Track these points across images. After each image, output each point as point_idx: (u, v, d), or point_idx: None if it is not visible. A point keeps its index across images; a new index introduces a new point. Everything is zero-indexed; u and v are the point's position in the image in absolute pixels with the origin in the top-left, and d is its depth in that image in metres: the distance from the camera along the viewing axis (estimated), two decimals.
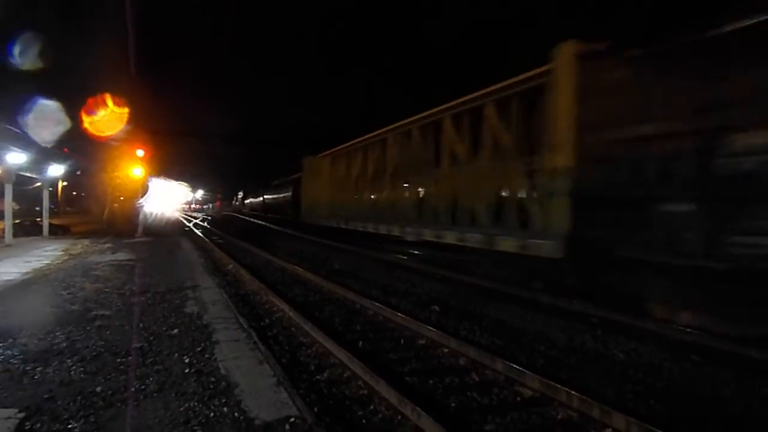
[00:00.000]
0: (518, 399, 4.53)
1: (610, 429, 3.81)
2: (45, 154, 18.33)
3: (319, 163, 20.54)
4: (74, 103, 21.26)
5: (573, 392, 4.19)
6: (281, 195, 31.64)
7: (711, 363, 5.24)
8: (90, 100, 21.65)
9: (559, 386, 4.33)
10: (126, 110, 22.71)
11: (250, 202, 48.12)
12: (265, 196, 39.28)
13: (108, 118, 22.43)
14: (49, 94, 18.20)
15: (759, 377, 4.86)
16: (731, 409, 4.32)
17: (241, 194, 58.46)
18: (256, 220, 40.34)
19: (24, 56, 18.56)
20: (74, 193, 47.74)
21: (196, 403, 3.94)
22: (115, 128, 22.46)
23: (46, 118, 17.29)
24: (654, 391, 4.64)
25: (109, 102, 22.44)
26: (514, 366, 4.84)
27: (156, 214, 40.14)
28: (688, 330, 5.83)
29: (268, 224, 33.33)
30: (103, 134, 22.21)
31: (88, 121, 21.63)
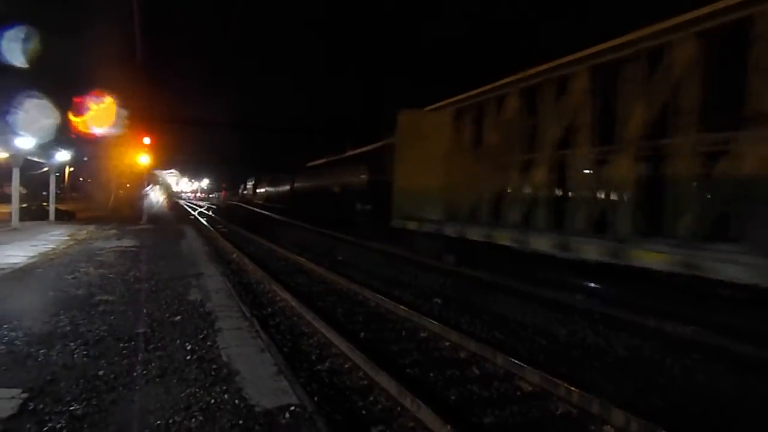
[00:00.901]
0: (518, 393, 4.54)
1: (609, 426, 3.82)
2: (53, 140, 18.42)
3: (432, 122, 11.99)
4: (78, 93, 21.20)
5: (573, 387, 4.19)
6: (341, 181, 19.83)
7: (710, 359, 5.22)
8: (77, 100, 21.23)
9: (558, 381, 4.33)
10: (113, 110, 22.30)
11: (267, 191, 38.57)
12: (297, 184, 28.50)
13: (102, 115, 22.13)
14: (54, 85, 18.16)
15: (756, 374, 4.84)
16: (730, 406, 4.32)
17: (251, 183, 51.01)
18: (268, 212, 33.06)
19: (26, 47, 18.48)
20: (80, 179, 47.90)
21: (197, 390, 3.96)
22: (106, 124, 22.15)
23: (45, 109, 17.15)
24: (655, 387, 4.65)
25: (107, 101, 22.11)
26: (515, 360, 4.85)
27: (161, 202, 40.28)
28: (689, 327, 5.81)
29: (274, 215, 30.49)
30: (98, 127, 21.89)
31: (79, 121, 21.30)
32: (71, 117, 20.52)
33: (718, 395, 4.56)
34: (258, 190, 45.94)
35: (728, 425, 4.06)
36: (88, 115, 21.23)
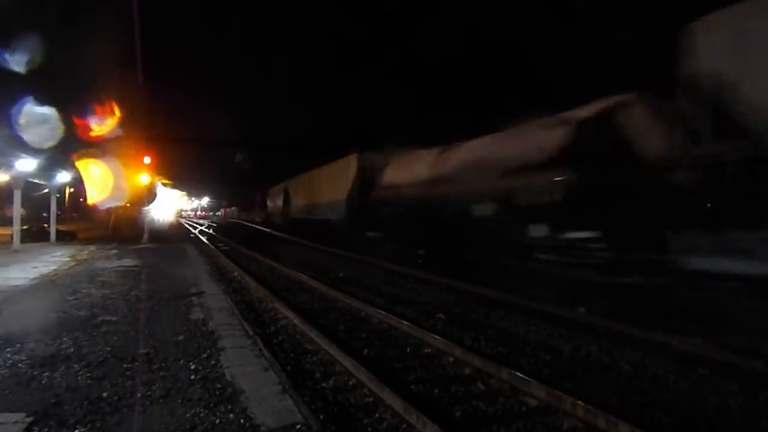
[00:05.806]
0: (523, 408, 4.52)
1: None
2: (53, 161, 18.47)
3: None
4: (78, 109, 21.29)
5: (578, 402, 4.18)
6: None
7: (718, 374, 5.20)
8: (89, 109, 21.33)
9: (564, 395, 4.32)
10: (116, 115, 22.45)
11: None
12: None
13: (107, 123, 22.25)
14: (53, 101, 18.14)
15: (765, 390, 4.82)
16: (738, 422, 4.29)
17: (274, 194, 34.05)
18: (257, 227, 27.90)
19: (26, 61, 18.51)
20: (81, 199, 47.95)
21: (201, 410, 3.95)
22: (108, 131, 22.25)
23: (44, 122, 17.12)
24: (660, 403, 4.62)
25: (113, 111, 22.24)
26: (519, 375, 4.84)
27: (161, 221, 40.32)
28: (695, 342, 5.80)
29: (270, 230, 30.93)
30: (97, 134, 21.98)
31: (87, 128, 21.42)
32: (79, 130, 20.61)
33: (726, 409, 4.53)
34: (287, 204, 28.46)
35: None
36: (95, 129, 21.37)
